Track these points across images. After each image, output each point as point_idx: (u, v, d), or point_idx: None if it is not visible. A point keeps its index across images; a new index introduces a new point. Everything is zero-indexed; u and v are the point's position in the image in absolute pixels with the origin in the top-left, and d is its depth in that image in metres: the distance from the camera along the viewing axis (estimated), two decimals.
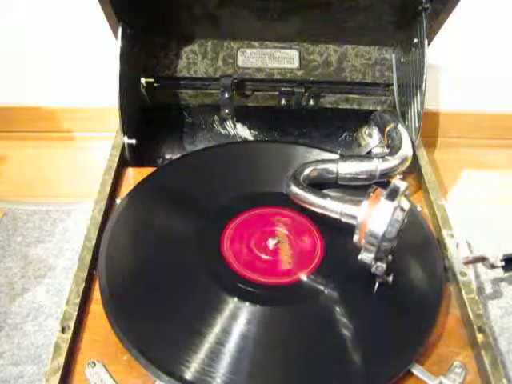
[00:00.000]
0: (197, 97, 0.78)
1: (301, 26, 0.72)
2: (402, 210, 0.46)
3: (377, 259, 0.47)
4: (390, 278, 0.49)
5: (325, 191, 0.58)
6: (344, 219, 0.52)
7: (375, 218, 0.46)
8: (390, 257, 0.48)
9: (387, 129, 0.66)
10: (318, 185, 0.60)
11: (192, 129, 0.79)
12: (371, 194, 0.48)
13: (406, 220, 0.47)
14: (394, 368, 0.44)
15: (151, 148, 0.76)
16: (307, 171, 0.60)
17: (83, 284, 0.50)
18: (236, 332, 0.46)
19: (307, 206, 0.56)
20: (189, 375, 0.43)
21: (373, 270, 0.48)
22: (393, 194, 0.46)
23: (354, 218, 0.49)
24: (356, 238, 0.49)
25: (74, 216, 0.78)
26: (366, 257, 0.48)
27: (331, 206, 0.53)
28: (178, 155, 0.72)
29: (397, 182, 0.48)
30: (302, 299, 0.50)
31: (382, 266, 0.48)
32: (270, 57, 0.76)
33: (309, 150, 0.67)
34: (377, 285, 0.50)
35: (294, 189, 0.57)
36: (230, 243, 0.55)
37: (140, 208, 0.59)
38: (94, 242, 0.54)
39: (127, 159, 0.69)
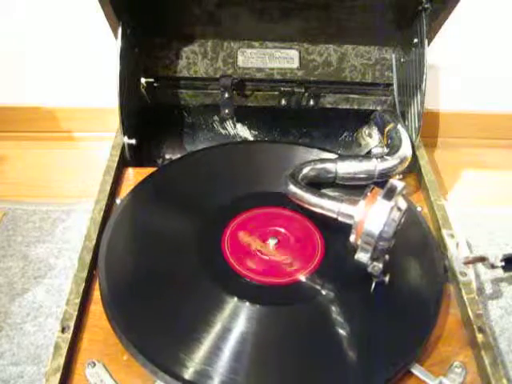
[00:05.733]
0: (197, 97, 0.78)
1: (301, 26, 0.72)
2: (399, 209, 0.46)
3: (373, 259, 0.47)
4: (387, 278, 0.49)
5: (323, 191, 0.58)
6: (341, 218, 0.51)
7: (372, 217, 0.46)
8: (386, 256, 0.48)
9: (387, 129, 0.66)
10: (318, 184, 0.60)
11: (192, 129, 0.79)
12: (368, 194, 0.48)
13: (403, 220, 0.47)
14: (394, 368, 0.44)
15: (151, 148, 0.76)
16: (305, 170, 0.60)
17: (83, 284, 0.50)
18: (236, 332, 0.46)
19: (305, 206, 0.55)
20: (189, 375, 0.43)
21: (369, 269, 0.48)
22: (390, 194, 0.46)
23: (351, 217, 0.49)
24: (353, 237, 0.49)
25: (74, 216, 0.78)
26: (362, 256, 0.48)
27: (328, 205, 0.53)
28: (178, 155, 0.72)
29: (394, 181, 0.48)
30: (301, 299, 0.50)
31: (379, 265, 0.47)
32: (270, 57, 0.76)
33: (309, 150, 0.67)
34: (374, 285, 0.50)
35: (292, 188, 0.56)
36: (230, 243, 0.55)
37: (140, 208, 0.59)
38: (94, 242, 0.54)
39: (127, 159, 0.69)
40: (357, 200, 0.49)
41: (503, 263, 0.57)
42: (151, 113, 0.77)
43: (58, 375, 0.43)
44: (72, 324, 0.47)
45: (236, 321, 0.47)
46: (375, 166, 0.59)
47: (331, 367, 0.45)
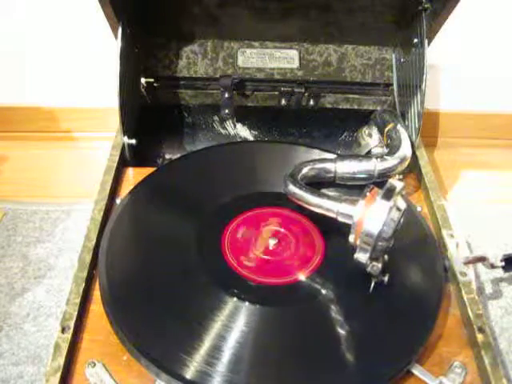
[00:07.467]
0: (197, 97, 0.78)
1: (301, 26, 0.72)
2: (398, 209, 0.46)
3: (372, 259, 0.47)
4: (386, 278, 0.49)
5: (323, 190, 0.58)
6: (340, 218, 0.51)
7: (371, 217, 0.46)
8: (385, 256, 0.48)
9: (387, 129, 0.66)
10: (317, 184, 0.60)
11: (192, 129, 0.79)
12: (367, 194, 0.48)
13: (402, 220, 0.47)
14: (394, 368, 0.44)
15: (151, 148, 0.76)
16: (305, 170, 0.59)
17: (83, 284, 0.50)
18: (235, 332, 0.46)
19: (304, 205, 0.55)
20: (189, 375, 0.43)
21: (368, 269, 0.48)
22: (389, 194, 0.46)
23: (350, 217, 0.49)
24: (352, 237, 0.49)
25: (74, 216, 0.78)
26: (361, 256, 0.48)
27: (328, 205, 0.53)
28: (178, 155, 0.72)
29: (393, 181, 0.48)
30: (301, 299, 0.50)
31: (378, 265, 0.48)
32: (270, 57, 0.76)
33: (309, 150, 0.67)
34: (374, 285, 0.49)
35: (292, 188, 0.56)
36: (229, 243, 0.55)
37: (140, 208, 0.59)
38: (93, 242, 0.55)
39: (127, 159, 0.69)
40: (356, 200, 0.49)
41: (503, 263, 0.57)
42: (151, 113, 0.77)
43: (58, 375, 0.43)
44: (72, 324, 0.47)
45: (236, 321, 0.47)
46: (375, 165, 0.59)
47: (331, 367, 0.45)
